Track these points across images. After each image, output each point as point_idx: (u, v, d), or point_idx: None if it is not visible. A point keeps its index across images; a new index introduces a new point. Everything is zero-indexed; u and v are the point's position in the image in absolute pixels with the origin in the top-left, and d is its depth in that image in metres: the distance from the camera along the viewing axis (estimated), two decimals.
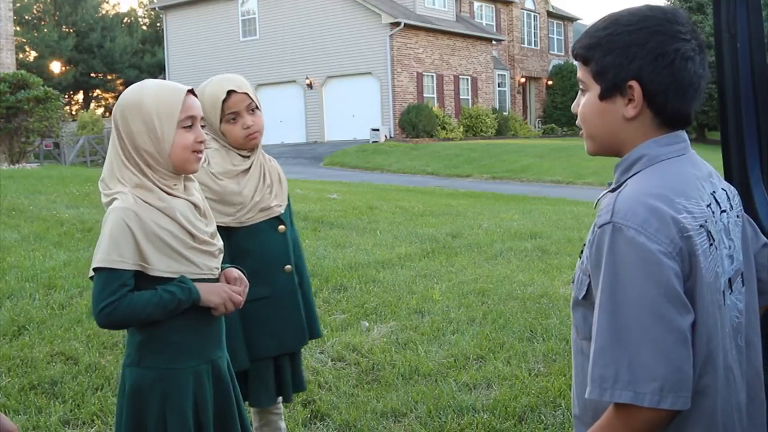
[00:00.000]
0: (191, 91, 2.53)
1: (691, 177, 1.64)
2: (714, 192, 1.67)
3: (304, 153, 30.27)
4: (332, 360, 5.29)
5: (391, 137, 32.30)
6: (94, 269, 2.40)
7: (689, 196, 1.59)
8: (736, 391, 1.64)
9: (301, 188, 16.10)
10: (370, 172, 24.92)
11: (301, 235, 11.44)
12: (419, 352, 5.38)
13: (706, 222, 1.58)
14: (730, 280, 1.65)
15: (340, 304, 6.75)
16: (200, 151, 2.52)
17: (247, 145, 3.15)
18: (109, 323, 2.45)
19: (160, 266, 2.42)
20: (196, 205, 2.55)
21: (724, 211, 1.67)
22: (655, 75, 1.61)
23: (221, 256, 2.63)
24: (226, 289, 2.58)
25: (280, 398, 3.49)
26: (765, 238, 1.88)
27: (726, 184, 1.77)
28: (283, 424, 3.52)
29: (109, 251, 2.36)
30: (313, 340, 5.62)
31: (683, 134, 1.69)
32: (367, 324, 6.12)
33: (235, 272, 2.68)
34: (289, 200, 3.40)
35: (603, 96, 1.68)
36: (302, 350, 5.39)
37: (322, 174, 23.44)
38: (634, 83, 1.63)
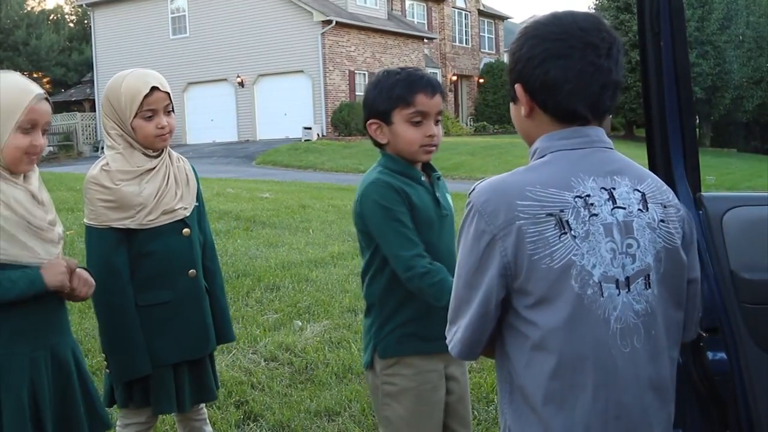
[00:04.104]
0: (47, 99, 2.55)
1: (569, 169, 1.70)
2: (613, 188, 1.70)
3: (236, 152, 29.96)
4: (265, 360, 5.26)
5: (323, 136, 32.18)
6: None
7: (548, 185, 1.66)
8: (616, 389, 1.66)
9: (232, 187, 15.96)
10: (303, 170, 24.77)
11: (232, 235, 11.27)
12: (353, 351, 5.37)
13: (561, 211, 1.64)
14: (628, 279, 1.67)
15: (273, 303, 6.71)
16: (34, 154, 2.55)
17: (155, 145, 3.06)
18: None
19: None
20: (33, 194, 2.59)
21: (622, 208, 1.69)
22: (529, 76, 1.73)
23: (62, 242, 2.67)
24: (63, 270, 2.57)
25: (203, 404, 3.41)
26: (696, 273, 1.85)
27: (654, 190, 1.76)
28: (208, 429, 3.45)
29: None
30: (246, 341, 5.61)
31: (585, 130, 1.74)
32: (300, 323, 6.10)
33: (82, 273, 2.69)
34: (200, 202, 3.28)
35: (512, 101, 1.83)
36: (234, 351, 5.38)
37: (254, 173, 23.23)
38: (517, 86, 1.77)
